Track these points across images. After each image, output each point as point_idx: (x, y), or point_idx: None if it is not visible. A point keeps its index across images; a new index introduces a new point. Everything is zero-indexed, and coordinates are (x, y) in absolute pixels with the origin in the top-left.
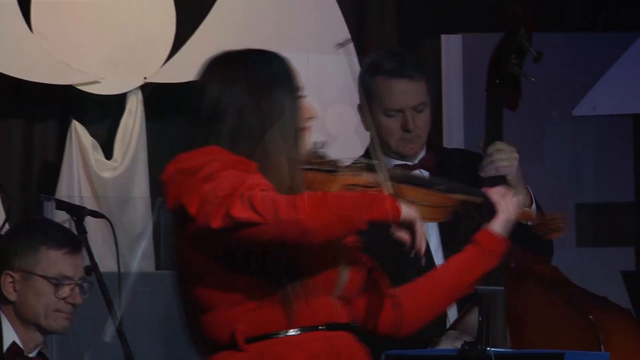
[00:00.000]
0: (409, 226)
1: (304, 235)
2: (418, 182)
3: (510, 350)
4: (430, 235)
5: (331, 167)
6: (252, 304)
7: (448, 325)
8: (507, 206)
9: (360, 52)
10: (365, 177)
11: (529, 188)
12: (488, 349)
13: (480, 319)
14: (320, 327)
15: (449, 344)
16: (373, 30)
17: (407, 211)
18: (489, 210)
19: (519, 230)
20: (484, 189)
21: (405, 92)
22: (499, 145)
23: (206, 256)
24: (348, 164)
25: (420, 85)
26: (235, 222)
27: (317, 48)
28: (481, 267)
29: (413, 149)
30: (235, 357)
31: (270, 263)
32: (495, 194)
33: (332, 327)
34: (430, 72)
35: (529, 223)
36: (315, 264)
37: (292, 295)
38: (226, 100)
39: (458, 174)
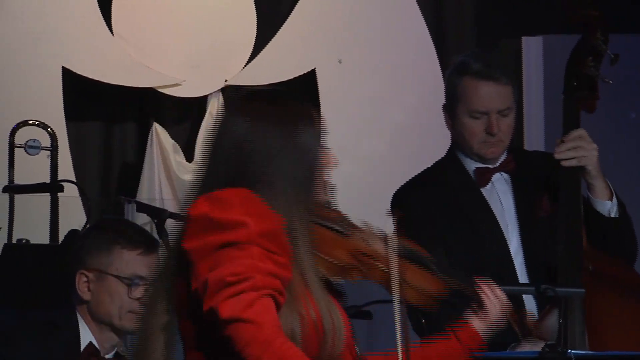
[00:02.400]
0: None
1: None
2: (419, 261)
3: (590, 352)
4: (510, 240)
5: (341, 228)
6: None
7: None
8: (495, 309)
9: (440, 55)
10: (374, 247)
11: (609, 183)
12: (569, 351)
13: (560, 321)
14: None
15: (527, 348)
16: (452, 32)
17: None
18: (477, 304)
19: (599, 233)
20: (478, 283)
21: (491, 94)
22: (581, 132)
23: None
24: (357, 225)
25: (506, 90)
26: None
27: (397, 50)
28: None
29: (495, 153)
30: None
31: None
32: (486, 293)
33: None
34: (512, 76)
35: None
36: None
37: None
38: (253, 141)
39: (537, 176)
